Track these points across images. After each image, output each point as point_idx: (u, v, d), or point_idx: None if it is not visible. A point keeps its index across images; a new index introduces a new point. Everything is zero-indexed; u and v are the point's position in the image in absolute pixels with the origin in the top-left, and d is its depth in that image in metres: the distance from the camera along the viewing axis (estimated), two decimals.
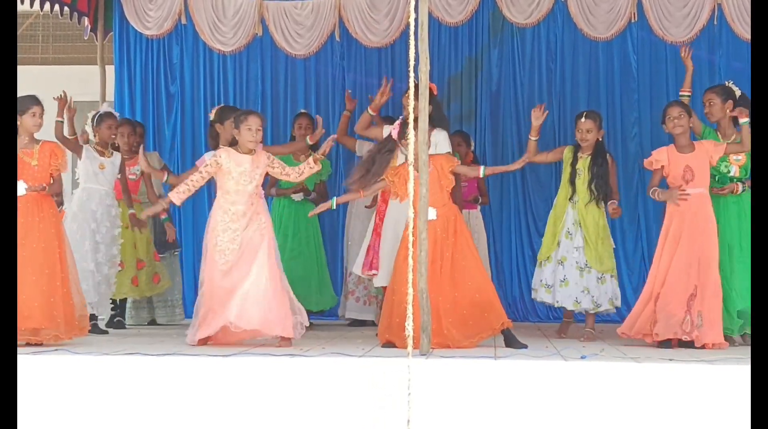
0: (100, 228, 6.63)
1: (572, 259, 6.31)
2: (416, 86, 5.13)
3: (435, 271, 5.60)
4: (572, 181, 6.35)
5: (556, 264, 6.33)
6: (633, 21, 7.85)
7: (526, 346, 5.56)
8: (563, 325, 6.56)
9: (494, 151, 8.22)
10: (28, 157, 5.76)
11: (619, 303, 6.44)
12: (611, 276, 6.34)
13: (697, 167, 5.96)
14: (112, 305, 7.10)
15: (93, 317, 6.59)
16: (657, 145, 8.05)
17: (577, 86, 8.28)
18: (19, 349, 4.94)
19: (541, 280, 6.40)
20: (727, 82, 6.54)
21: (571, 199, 6.36)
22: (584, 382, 4.51)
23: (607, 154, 6.46)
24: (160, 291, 7.39)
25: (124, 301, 7.32)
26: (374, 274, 6.50)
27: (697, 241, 5.83)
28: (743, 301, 5.86)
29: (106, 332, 6.70)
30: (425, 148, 5.33)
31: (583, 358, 4.94)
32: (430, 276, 5.23)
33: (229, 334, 5.68)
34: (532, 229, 8.25)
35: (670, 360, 4.89)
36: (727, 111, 6.20)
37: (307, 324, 5.90)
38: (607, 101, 8.24)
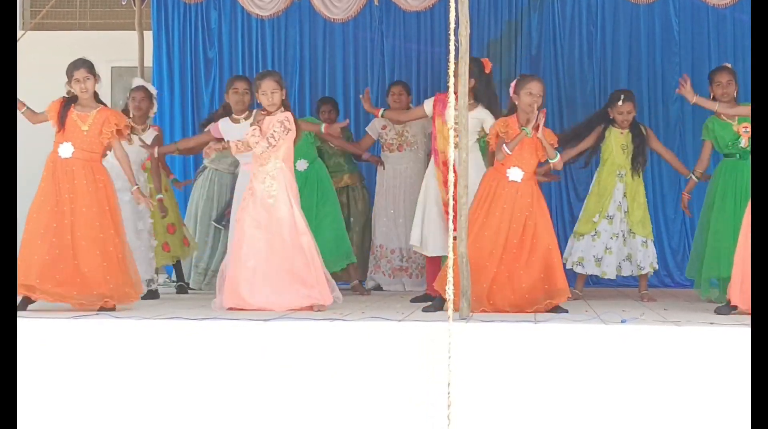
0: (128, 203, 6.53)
1: (617, 228, 6.57)
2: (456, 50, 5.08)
3: (503, 236, 5.66)
4: (615, 160, 6.58)
5: (614, 237, 6.56)
6: None
7: (566, 311, 5.55)
8: (574, 293, 6.56)
9: None
10: (80, 121, 5.75)
11: (657, 265, 6.71)
12: (652, 240, 6.64)
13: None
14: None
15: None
16: (699, 111, 8.00)
17: (618, 50, 8.19)
18: (56, 314, 5.00)
19: (582, 253, 6.57)
20: (727, 65, 6.65)
21: (618, 174, 6.57)
22: (624, 346, 4.50)
23: (641, 125, 6.69)
24: (189, 255, 7.43)
25: (179, 265, 7.36)
26: None
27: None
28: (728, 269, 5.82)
29: (157, 296, 6.73)
30: (465, 112, 5.30)
31: (623, 322, 4.92)
32: (496, 241, 5.49)
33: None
34: (572, 194, 8.21)
35: (711, 323, 4.86)
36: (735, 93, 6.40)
37: (340, 301, 5.86)
38: (648, 65, 8.16)
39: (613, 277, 6.65)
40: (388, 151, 7.41)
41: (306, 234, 5.78)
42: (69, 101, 5.76)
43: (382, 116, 6.89)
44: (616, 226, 6.58)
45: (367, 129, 7.54)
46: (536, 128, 5.73)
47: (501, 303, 5.60)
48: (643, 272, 6.60)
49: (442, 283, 5.60)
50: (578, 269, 6.60)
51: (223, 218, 7.45)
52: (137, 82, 7.22)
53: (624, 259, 6.60)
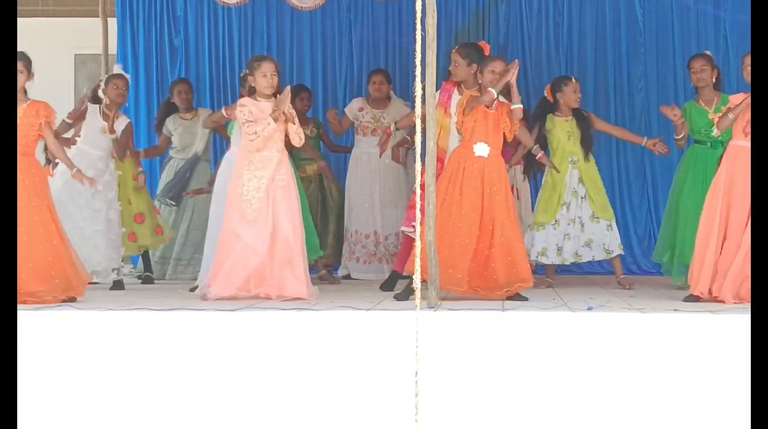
0: (88, 193, 6.45)
1: (574, 214, 6.54)
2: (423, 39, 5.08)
3: (478, 215, 5.65)
4: (564, 147, 6.56)
5: (571, 223, 6.54)
6: None
7: (527, 299, 5.57)
8: (544, 283, 6.59)
9: None
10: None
11: (622, 246, 6.68)
12: (614, 223, 6.64)
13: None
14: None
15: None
16: (663, 99, 8.10)
17: (584, 39, 8.24)
18: (20, 306, 4.92)
19: (534, 244, 6.52)
20: (706, 52, 6.68)
21: (570, 161, 6.56)
22: (591, 333, 4.54)
23: (581, 111, 6.68)
24: (165, 242, 7.38)
25: (147, 255, 7.30)
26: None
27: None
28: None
29: (122, 287, 6.66)
30: (432, 101, 5.31)
31: (589, 309, 4.97)
32: (466, 219, 5.46)
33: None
34: (539, 184, 8.24)
35: (675, 310, 4.91)
36: (713, 79, 6.44)
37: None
38: (614, 55, 8.22)
39: (569, 262, 6.62)
40: (362, 133, 7.41)
41: (299, 221, 5.76)
42: None
43: (396, 130, 6.69)
44: (573, 212, 6.54)
45: (345, 110, 7.54)
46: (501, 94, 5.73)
47: (477, 283, 5.62)
48: (614, 255, 6.58)
49: (411, 268, 5.64)
50: (543, 260, 6.55)
51: (180, 198, 7.42)
52: (117, 69, 7.16)
53: (583, 245, 6.56)
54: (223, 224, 5.79)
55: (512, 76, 5.71)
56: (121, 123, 6.85)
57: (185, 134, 7.54)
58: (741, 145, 5.50)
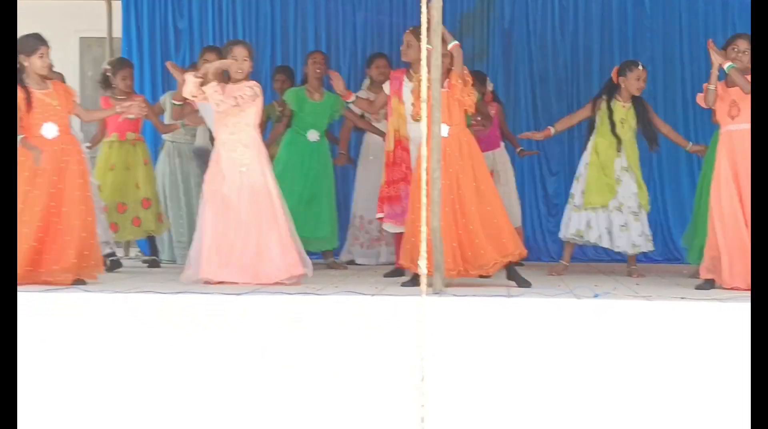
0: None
1: (629, 205, 6.44)
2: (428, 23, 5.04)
3: (448, 196, 5.49)
4: (614, 132, 6.43)
5: (615, 211, 6.44)
6: None
7: (529, 284, 5.55)
8: (560, 266, 6.57)
9: (506, 91, 8.17)
10: (49, 98, 5.61)
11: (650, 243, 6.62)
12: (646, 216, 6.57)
13: (742, 102, 5.56)
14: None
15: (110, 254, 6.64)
16: (670, 84, 8.07)
17: (590, 25, 8.21)
18: (28, 287, 4.95)
19: (591, 225, 6.44)
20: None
21: (617, 148, 6.45)
22: (597, 321, 4.53)
23: (642, 101, 6.54)
24: (163, 231, 7.37)
25: (153, 239, 7.29)
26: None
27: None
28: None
29: (119, 265, 6.68)
30: (438, 86, 5.27)
31: (596, 296, 4.95)
32: (444, 202, 5.25)
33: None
34: (545, 168, 8.24)
35: (682, 298, 4.90)
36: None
37: (311, 274, 5.82)
38: (621, 40, 8.19)
39: (631, 252, 6.50)
40: (374, 120, 7.39)
41: (279, 203, 5.72)
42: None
43: (353, 103, 6.74)
44: (619, 199, 6.43)
45: (383, 87, 7.40)
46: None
47: (466, 265, 5.53)
48: (640, 251, 6.48)
49: (407, 258, 5.61)
50: (599, 242, 6.44)
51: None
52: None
53: (640, 236, 6.43)
54: (202, 208, 5.79)
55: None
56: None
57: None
58: (732, 130, 5.51)
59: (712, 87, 5.59)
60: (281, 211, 5.71)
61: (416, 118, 5.70)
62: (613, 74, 6.57)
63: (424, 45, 5.06)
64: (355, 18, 8.33)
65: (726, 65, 5.57)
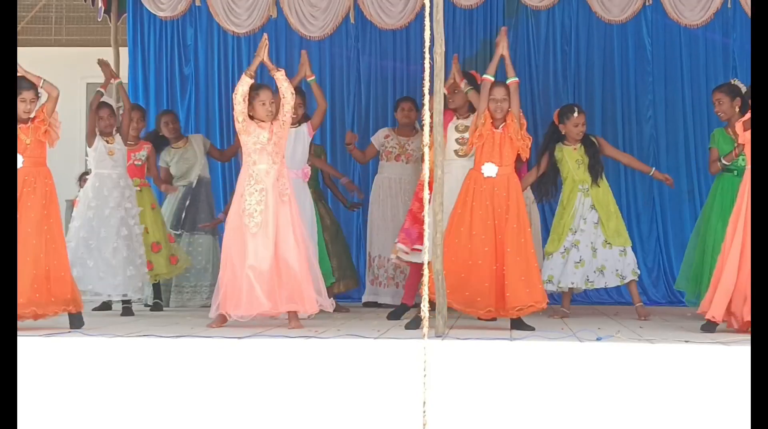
0: (119, 210, 6.70)
1: (587, 240, 6.47)
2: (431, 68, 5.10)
3: (491, 235, 5.62)
4: (574, 174, 6.54)
5: (571, 248, 6.47)
6: (647, 4, 7.78)
7: (533, 328, 5.55)
8: (561, 310, 6.56)
9: None
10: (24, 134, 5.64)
11: (639, 271, 6.64)
12: (629, 247, 6.56)
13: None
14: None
15: (127, 301, 6.75)
16: (672, 128, 8.11)
17: (591, 69, 8.26)
18: (26, 332, 4.95)
19: (551, 271, 6.49)
20: (732, 80, 6.69)
21: (580, 189, 6.53)
22: (600, 364, 4.51)
23: (591, 137, 6.66)
24: (179, 272, 7.40)
25: (157, 283, 7.34)
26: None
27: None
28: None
29: (132, 314, 6.72)
30: (440, 130, 5.31)
31: (598, 339, 4.94)
32: (477, 241, 5.42)
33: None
34: (547, 212, 8.21)
35: (686, 341, 4.88)
36: (736, 109, 6.36)
37: (330, 308, 5.86)
38: (622, 84, 8.23)
39: (581, 289, 6.60)
40: (386, 159, 7.45)
41: (307, 236, 5.79)
42: None
43: (348, 149, 6.93)
44: (586, 238, 6.47)
45: (372, 139, 7.56)
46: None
47: (497, 304, 5.59)
48: (627, 280, 6.51)
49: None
50: (549, 287, 6.46)
51: (185, 225, 7.54)
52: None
53: (595, 272, 6.47)
54: (224, 243, 5.83)
55: (504, 49, 5.73)
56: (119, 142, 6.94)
57: (180, 162, 7.65)
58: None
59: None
60: (305, 241, 5.77)
61: (461, 154, 6.01)
62: (555, 118, 6.69)
63: (426, 91, 5.11)
64: (359, 63, 8.41)
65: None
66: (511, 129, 5.76)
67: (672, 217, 8.03)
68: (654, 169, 6.84)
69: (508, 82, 5.79)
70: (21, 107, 5.62)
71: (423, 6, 4.83)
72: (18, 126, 5.61)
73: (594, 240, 6.50)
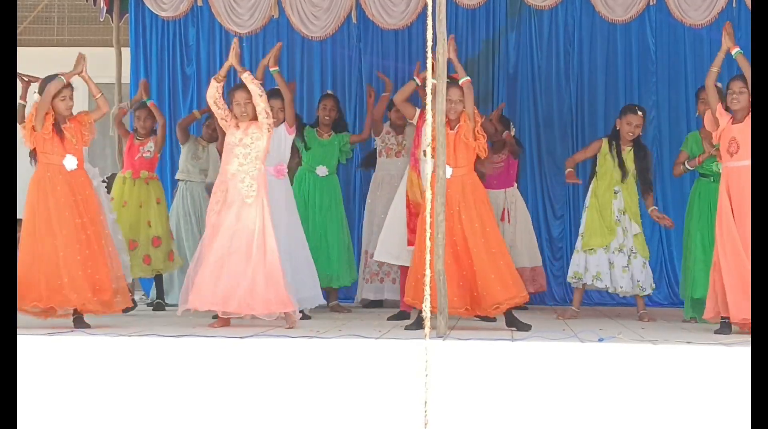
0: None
1: (627, 247, 6.46)
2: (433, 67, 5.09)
3: (450, 236, 5.49)
4: (613, 173, 6.49)
5: (616, 252, 6.46)
6: (651, 3, 7.77)
7: (529, 327, 5.52)
8: (571, 310, 6.55)
9: None
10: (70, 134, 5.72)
11: (654, 287, 6.70)
12: (648, 261, 6.59)
13: (742, 139, 5.53)
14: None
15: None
16: (676, 129, 8.09)
17: (594, 69, 8.24)
18: (27, 331, 4.96)
19: (589, 268, 6.45)
20: (717, 84, 6.58)
21: (614, 190, 6.50)
22: (602, 365, 4.50)
23: (645, 147, 6.64)
24: (173, 269, 7.39)
25: (160, 281, 7.32)
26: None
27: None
28: (702, 290, 5.92)
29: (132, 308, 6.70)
30: (442, 130, 5.30)
31: (600, 340, 4.92)
32: (446, 242, 5.24)
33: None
34: (549, 212, 8.24)
35: (688, 342, 4.87)
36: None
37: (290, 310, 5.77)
38: (625, 85, 8.21)
39: (612, 290, 6.54)
40: (385, 155, 7.44)
41: (273, 239, 5.76)
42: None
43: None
44: (619, 240, 6.46)
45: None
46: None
47: (472, 304, 5.56)
48: (645, 293, 6.51)
49: (410, 293, 5.61)
50: (598, 284, 6.47)
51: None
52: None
53: (623, 276, 6.44)
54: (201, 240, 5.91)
55: (450, 53, 5.62)
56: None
57: (202, 160, 7.66)
58: (732, 166, 5.50)
59: (714, 69, 5.66)
60: (275, 248, 5.73)
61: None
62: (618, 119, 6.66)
63: (428, 90, 5.10)
64: (361, 63, 8.40)
65: (734, 51, 5.63)
66: (465, 130, 5.70)
67: (674, 219, 7.99)
68: (654, 208, 6.68)
69: (460, 82, 5.70)
70: (62, 106, 5.67)
71: (425, 6, 4.83)
72: (62, 126, 5.68)
73: (627, 244, 6.48)
